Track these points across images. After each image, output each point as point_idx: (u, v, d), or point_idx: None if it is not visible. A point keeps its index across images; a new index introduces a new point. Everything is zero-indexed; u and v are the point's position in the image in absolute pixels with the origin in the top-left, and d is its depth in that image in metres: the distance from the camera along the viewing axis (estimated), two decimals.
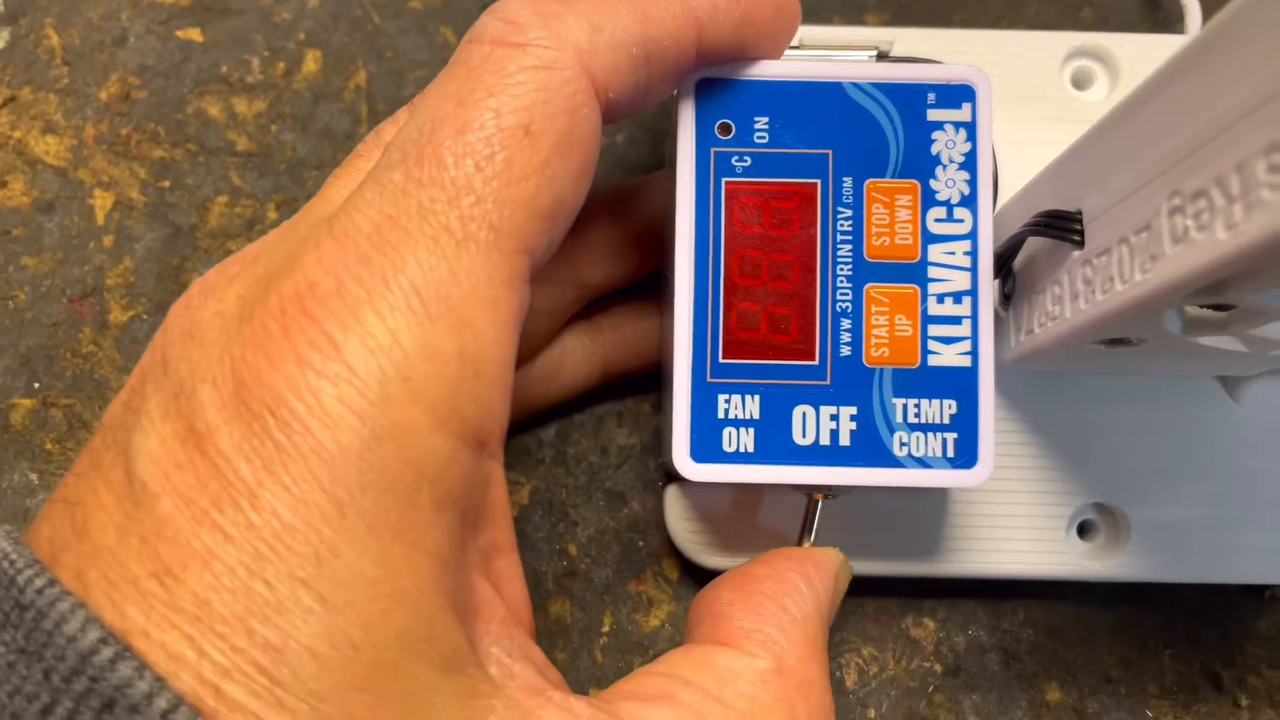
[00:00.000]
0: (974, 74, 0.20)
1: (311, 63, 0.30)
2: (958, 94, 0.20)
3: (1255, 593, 0.24)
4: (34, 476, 0.25)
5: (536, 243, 0.17)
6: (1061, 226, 0.19)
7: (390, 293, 0.15)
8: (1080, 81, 0.25)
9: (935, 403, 0.19)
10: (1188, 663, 0.23)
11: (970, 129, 0.20)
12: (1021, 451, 0.23)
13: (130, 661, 0.14)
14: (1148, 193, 0.16)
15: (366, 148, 0.19)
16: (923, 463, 0.19)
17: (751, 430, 0.19)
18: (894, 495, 0.23)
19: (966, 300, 0.20)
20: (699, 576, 0.24)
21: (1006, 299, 0.22)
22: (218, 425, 0.15)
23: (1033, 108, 0.24)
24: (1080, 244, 0.19)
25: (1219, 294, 0.16)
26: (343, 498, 0.14)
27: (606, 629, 0.24)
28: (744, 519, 0.23)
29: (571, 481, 0.25)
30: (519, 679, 0.16)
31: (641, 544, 0.25)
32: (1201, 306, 0.17)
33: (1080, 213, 0.19)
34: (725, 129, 0.20)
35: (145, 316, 0.27)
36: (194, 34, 0.30)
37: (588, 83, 0.17)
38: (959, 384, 0.19)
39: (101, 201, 0.28)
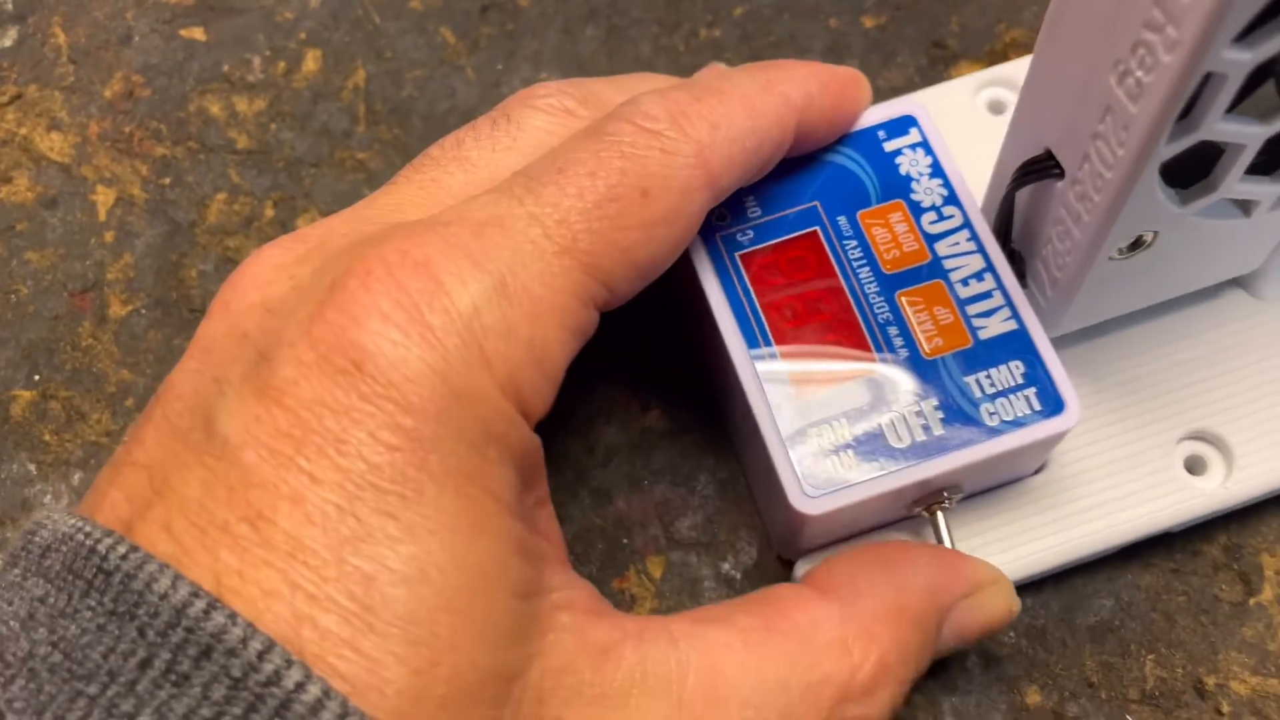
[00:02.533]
0: (909, 104, 0.23)
1: (311, 62, 0.30)
2: (902, 124, 0.23)
3: (1240, 599, 0.24)
4: (32, 467, 0.26)
5: (619, 285, 0.19)
6: (1039, 168, 0.20)
7: (481, 272, 0.17)
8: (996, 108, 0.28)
9: (1003, 368, 0.21)
10: (1170, 668, 0.23)
11: (925, 146, 0.23)
12: (1101, 411, 0.24)
13: (223, 610, 0.14)
14: (1095, 82, 0.18)
15: (442, 158, 0.20)
16: (1017, 424, 0.20)
17: (851, 451, 0.20)
18: (1001, 493, 0.23)
19: (988, 276, 0.21)
20: (684, 576, 0.24)
21: (1022, 276, 0.23)
22: (298, 379, 0.16)
23: (966, 138, 0.26)
24: (1061, 173, 0.20)
25: (1190, 131, 0.17)
26: (424, 445, 0.16)
27: None
28: None
29: (558, 479, 0.25)
30: (577, 604, 0.18)
31: (626, 541, 0.25)
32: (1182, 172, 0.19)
33: (1048, 149, 0.20)
34: (721, 216, 0.23)
35: (143, 311, 0.27)
36: (197, 33, 0.31)
37: (703, 173, 0.19)
38: (1016, 345, 0.21)
39: (104, 198, 0.29)
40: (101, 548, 0.15)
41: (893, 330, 0.21)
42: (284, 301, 0.17)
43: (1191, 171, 0.19)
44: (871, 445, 0.20)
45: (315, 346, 0.16)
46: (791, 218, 0.22)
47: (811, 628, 0.18)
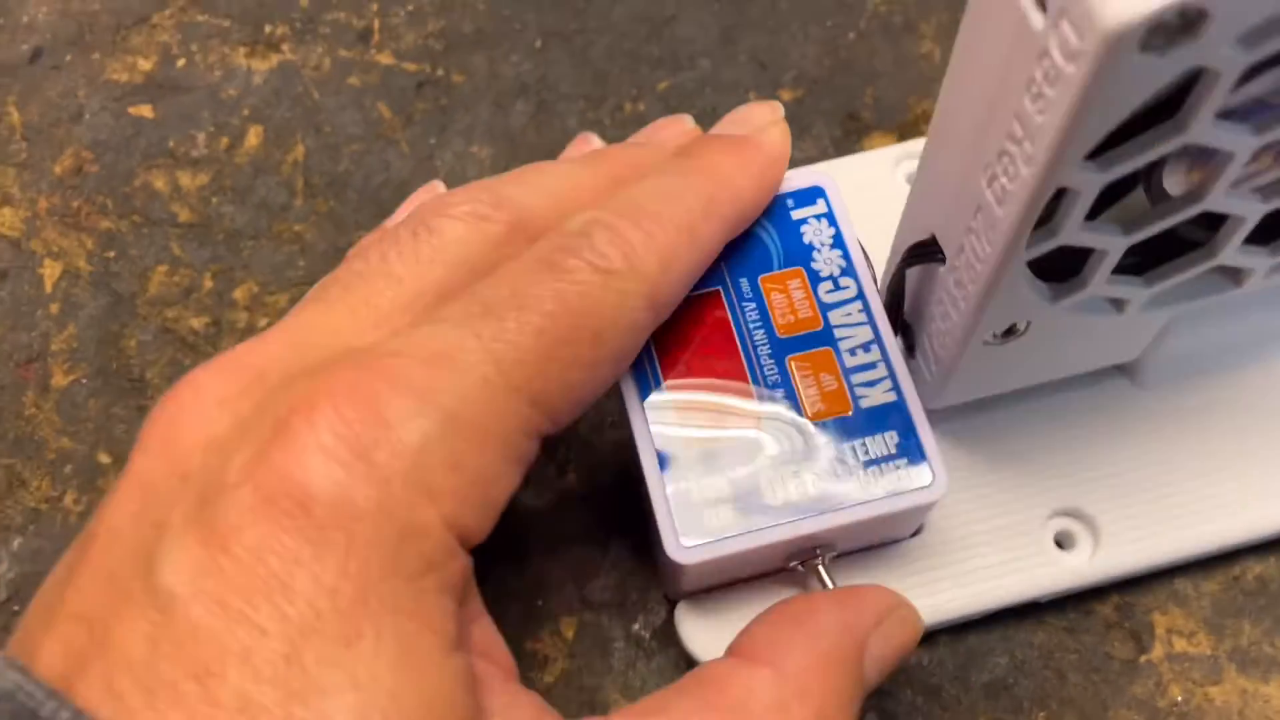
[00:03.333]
0: (818, 175, 0.24)
1: (253, 137, 0.32)
2: (810, 194, 0.24)
3: (1131, 657, 0.25)
4: None
5: (562, 418, 0.19)
6: (923, 252, 0.21)
7: (429, 406, 0.17)
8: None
9: (879, 437, 0.22)
10: None
11: (830, 217, 0.24)
12: (979, 483, 0.25)
13: None
14: (970, 181, 0.19)
15: (368, 273, 0.20)
16: (887, 491, 0.21)
17: (728, 505, 0.21)
18: (879, 552, 0.24)
19: (874, 348, 0.22)
20: (595, 636, 0.25)
21: (911, 349, 0.24)
22: (244, 525, 0.16)
23: (882, 209, 0.26)
24: (943, 259, 0.21)
25: (1050, 237, 0.18)
26: (367, 586, 0.16)
27: None
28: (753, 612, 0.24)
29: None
30: None
31: (541, 603, 0.26)
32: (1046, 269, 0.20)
33: (934, 235, 0.21)
34: None
35: (85, 380, 0.29)
36: (146, 110, 0.32)
37: (650, 309, 0.20)
38: (893, 416, 0.22)
39: (50, 271, 0.30)
40: (45, 712, 0.15)
41: (779, 392, 0.22)
42: (228, 440, 0.17)
43: (1067, 267, 0.20)
44: (748, 501, 0.21)
45: (260, 489, 0.16)
46: None
47: (748, 697, 0.19)
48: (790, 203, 0.24)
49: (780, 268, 0.23)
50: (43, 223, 0.31)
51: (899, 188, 0.29)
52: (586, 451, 0.27)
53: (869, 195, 0.25)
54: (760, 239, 0.24)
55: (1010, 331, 0.22)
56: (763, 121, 0.23)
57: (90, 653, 0.15)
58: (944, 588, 0.24)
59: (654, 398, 0.22)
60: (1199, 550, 0.25)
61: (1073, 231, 0.18)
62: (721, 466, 0.21)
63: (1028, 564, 0.24)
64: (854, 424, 0.22)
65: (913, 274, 0.23)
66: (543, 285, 0.19)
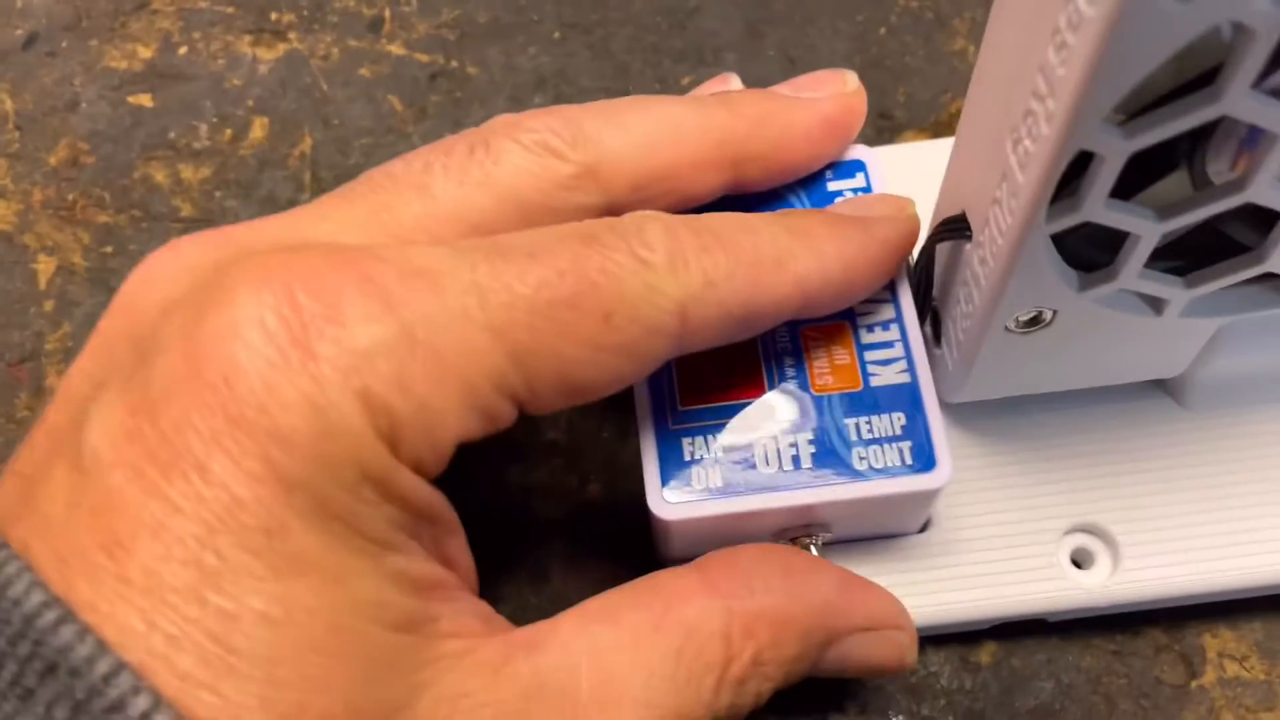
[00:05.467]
0: (863, 151, 0.23)
1: (259, 129, 0.30)
2: (850, 168, 0.23)
3: (1182, 682, 0.23)
4: None
5: (544, 393, 0.17)
6: (952, 228, 0.20)
7: (391, 316, 0.16)
8: None
9: (885, 417, 0.21)
10: None
11: (867, 190, 0.23)
12: (1000, 494, 0.24)
13: (72, 626, 0.14)
14: (998, 147, 0.18)
15: (405, 180, 0.19)
16: (884, 472, 0.20)
17: (718, 467, 0.20)
18: (885, 544, 0.23)
19: (894, 327, 0.22)
20: None
21: (938, 338, 0.23)
22: (170, 394, 0.15)
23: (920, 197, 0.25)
24: (969, 235, 0.20)
25: (1072, 211, 0.17)
26: (291, 479, 0.15)
27: None
28: None
29: (495, 557, 0.25)
30: (466, 628, 0.17)
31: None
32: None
33: (963, 212, 0.20)
34: None
35: None
36: (145, 99, 0.31)
37: (678, 321, 0.18)
38: (903, 398, 0.21)
39: (45, 267, 0.29)
40: None
41: (788, 360, 0.21)
42: (176, 305, 0.16)
43: (1103, 260, 0.19)
44: (737, 465, 0.20)
45: (189, 357, 0.15)
46: None
47: (697, 622, 0.18)
48: (828, 174, 0.23)
49: None
50: (37, 216, 0.29)
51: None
52: (608, 463, 0.26)
53: (909, 184, 0.24)
54: (791, 206, 0.23)
55: (1035, 321, 0.20)
56: (886, 212, 0.21)
57: (18, 511, 0.15)
58: (945, 588, 0.23)
59: None
60: (1227, 586, 0.23)
61: (1097, 207, 0.17)
62: (715, 424, 0.21)
63: (1037, 576, 0.23)
64: (861, 401, 0.21)
65: (942, 256, 0.22)
66: (566, 246, 0.17)
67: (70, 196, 0.29)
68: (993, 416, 0.24)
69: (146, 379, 0.15)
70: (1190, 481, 0.24)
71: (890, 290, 0.22)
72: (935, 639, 0.24)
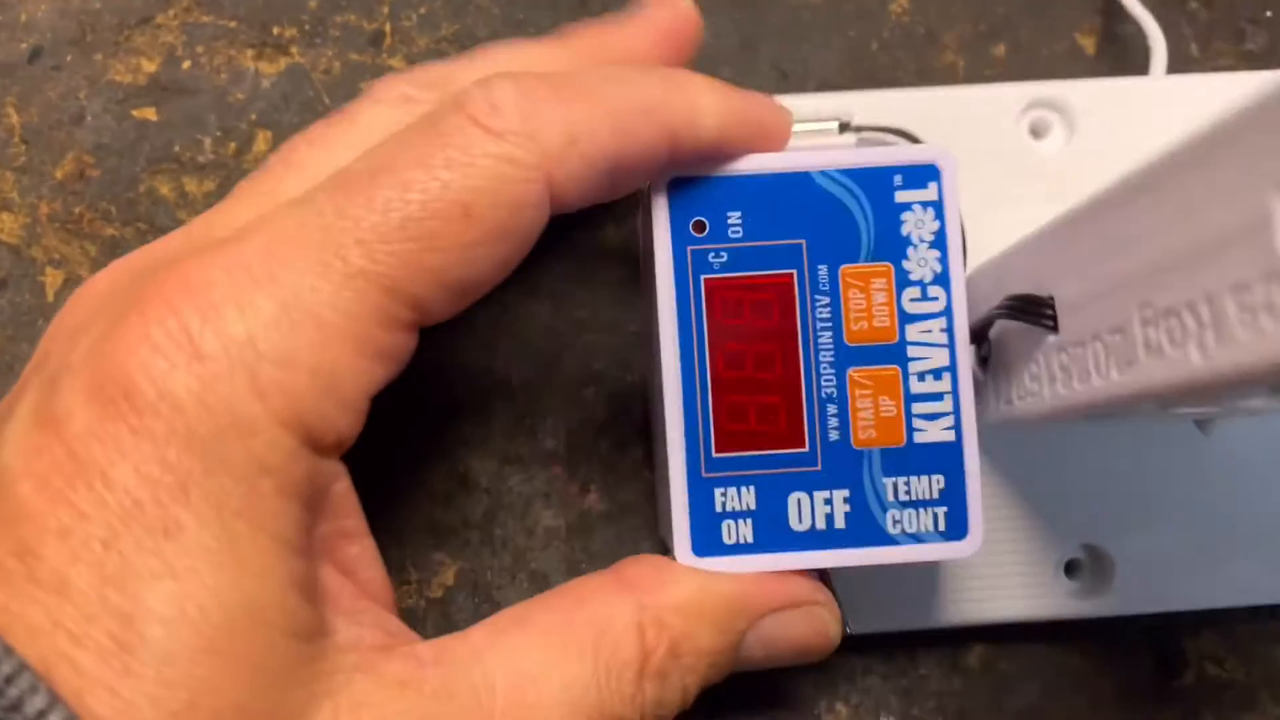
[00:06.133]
0: (938, 153, 0.20)
1: (262, 142, 0.31)
2: (923, 174, 0.20)
3: (1164, 683, 0.24)
4: None
5: (432, 306, 0.17)
6: (1035, 311, 0.19)
7: (261, 296, 0.16)
8: (1038, 131, 0.26)
9: (924, 479, 0.20)
10: None
11: (938, 207, 0.20)
12: (1005, 500, 0.24)
13: None
14: (1120, 296, 0.16)
15: (276, 164, 0.20)
16: (916, 538, 0.20)
17: (749, 521, 0.20)
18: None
19: (946, 376, 0.20)
20: None
21: (984, 362, 0.22)
22: (74, 410, 0.16)
23: (992, 162, 0.24)
24: (1054, 329, 0.19)
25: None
26: (187, 478, 0.16)
27: None
28: None
29: (497, 563, 0.26)
30: (364, 642, 0.18)
31: None
32: None
33: (1053, 299, 0.19)
34: (700, 226, 0.21)
35: None
36: (149, 113, 0.31)
37: (544, 187, 0.17)
38: (945, 459, 0.20)
39: (52, 279, 0.29)
40: None
41: (831, 409, 0.20)
42: (80, 330, 0.17)
43: None
44: (771, 522, 0.20)
45: (92, 377, 0.16)
46: (772, 251, 0.20)
47: (609, 618, 0.18)
48: (898, 179, 0.20)
49: (867, 260, 0.20)
50: (44, 229, 0.30)
51: (1021, 142, 0.25)
52: (608, 470, 0.27)
53: (981, 145, 0.22)
54: (852, 217, 0.20)
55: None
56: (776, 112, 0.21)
57: None
58: (939, 590, 0.23)
59: (695, 389, 0.20)
60: (1221, 605, 0.24)
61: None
62: (751, 478, 0.20)
63: (1030, 584, 0.23)
64: (903, 459, 0.20)
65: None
66: (407, 149, 0.17)
67: (77, 210, 0.30)
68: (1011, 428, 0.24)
69: (54, 398, 0.16)
70: (1189, 500, 0.24)
71: (947, 332, 0.20)
72: (926, 641, 0.25)
